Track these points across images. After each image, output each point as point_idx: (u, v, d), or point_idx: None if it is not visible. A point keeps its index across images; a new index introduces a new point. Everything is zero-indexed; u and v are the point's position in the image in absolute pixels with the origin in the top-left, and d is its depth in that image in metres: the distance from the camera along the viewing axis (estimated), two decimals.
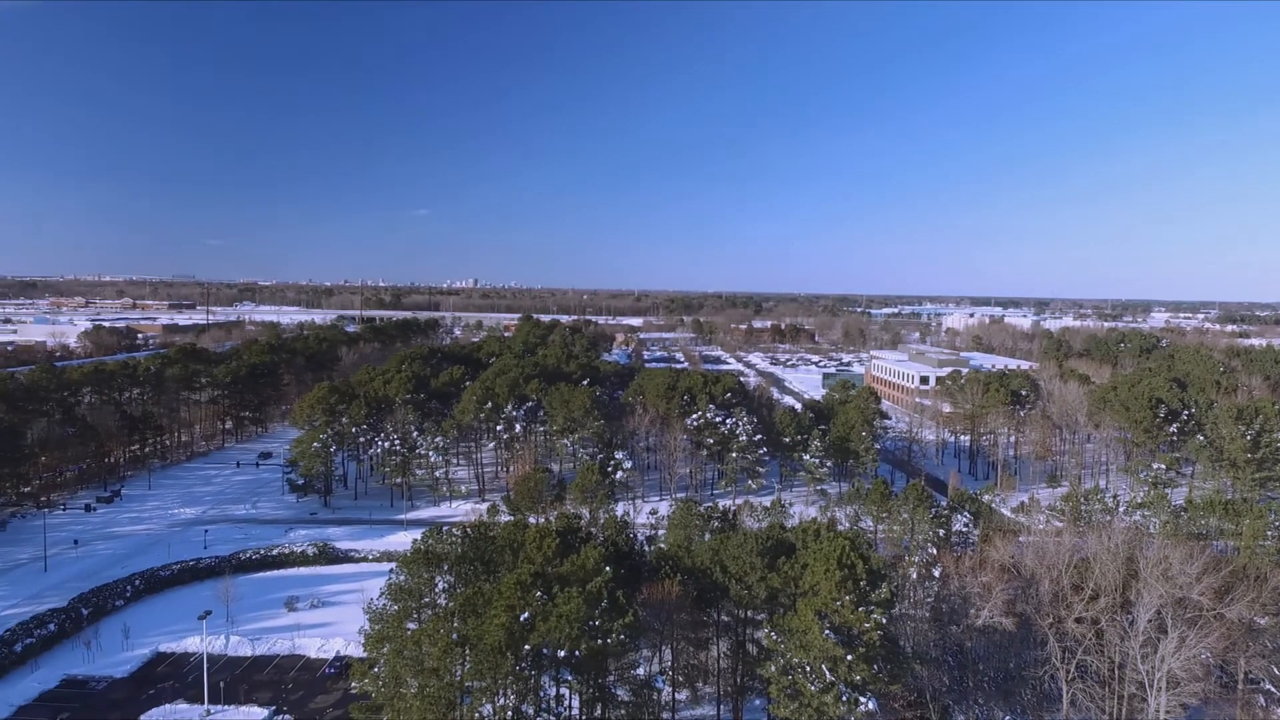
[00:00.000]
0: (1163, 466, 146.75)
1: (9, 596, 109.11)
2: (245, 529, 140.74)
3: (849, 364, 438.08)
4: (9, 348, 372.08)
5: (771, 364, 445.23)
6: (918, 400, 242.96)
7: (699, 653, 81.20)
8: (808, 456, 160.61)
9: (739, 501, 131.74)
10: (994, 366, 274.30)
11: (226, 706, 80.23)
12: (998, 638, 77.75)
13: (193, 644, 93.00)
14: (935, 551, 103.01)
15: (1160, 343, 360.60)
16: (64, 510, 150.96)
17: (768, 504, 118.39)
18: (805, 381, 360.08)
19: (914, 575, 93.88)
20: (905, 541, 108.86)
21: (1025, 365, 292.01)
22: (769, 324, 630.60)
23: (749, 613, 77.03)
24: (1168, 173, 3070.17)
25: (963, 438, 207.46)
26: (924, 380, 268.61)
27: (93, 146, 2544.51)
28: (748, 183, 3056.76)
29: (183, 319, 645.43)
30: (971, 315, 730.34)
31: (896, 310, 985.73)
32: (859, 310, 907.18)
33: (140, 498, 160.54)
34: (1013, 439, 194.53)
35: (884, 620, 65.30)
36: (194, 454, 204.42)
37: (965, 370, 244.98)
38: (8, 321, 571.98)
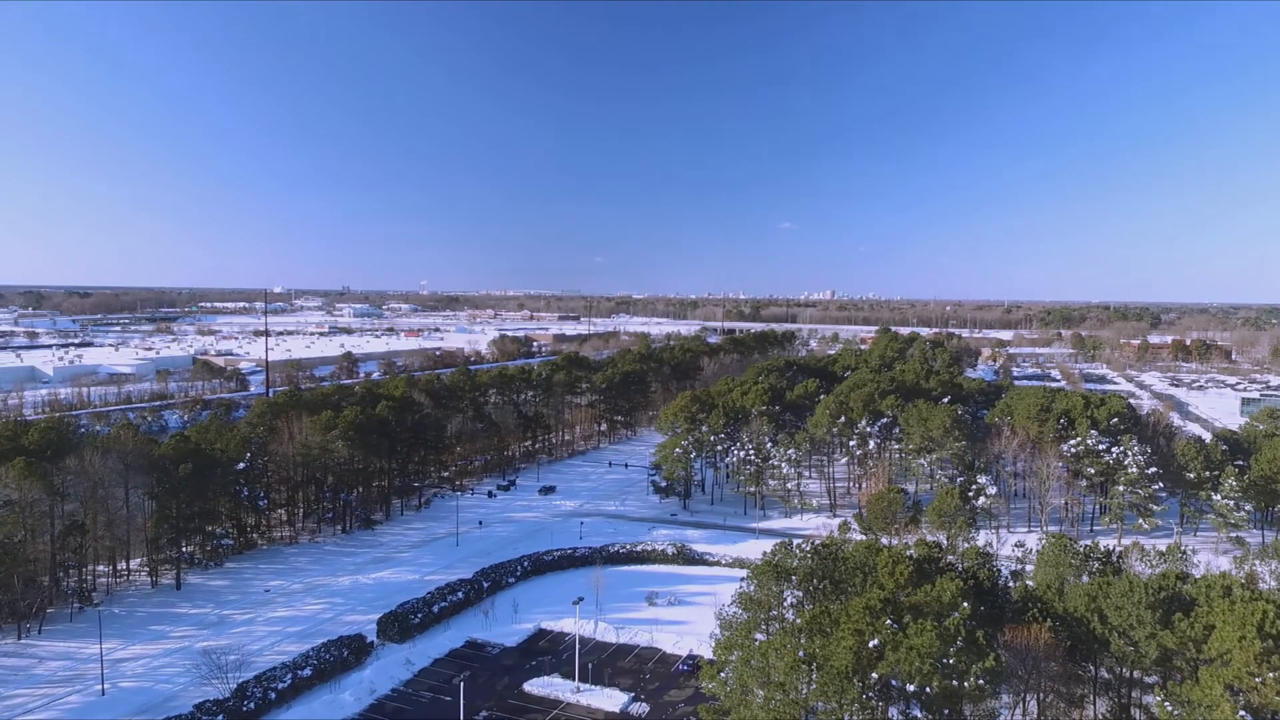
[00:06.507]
0: None
1: (431, 564, 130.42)
2: (614, 524, 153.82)
3: (1279, 388, 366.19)
4: (437, 352, 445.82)
5: (1171, 385, 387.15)
6: None
7: (1072, 710, 72.93)
8: (1219, 497, 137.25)
9: (1125, 543, 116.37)
10: None
11: (593, 686, 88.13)
12: None
13: (568, 625, 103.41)
14: None
15: None
16: (471, 495, 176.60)
17: (1163, 549, 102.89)
18: (1217, 407, 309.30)
19: None
20: None
21: None
22: (1168, 339, 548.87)
23: (1135, 673, 67.78)
24: None
25: None
26: None
27: (508, 178, 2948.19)
28: (1136, 173, 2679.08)
29: (569, 329, 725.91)
30: None
31: None
32: None
33: (530, 488, 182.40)
34: None
35: None
36: (574, 452, 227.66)
37: None
38: (437, 330, 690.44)
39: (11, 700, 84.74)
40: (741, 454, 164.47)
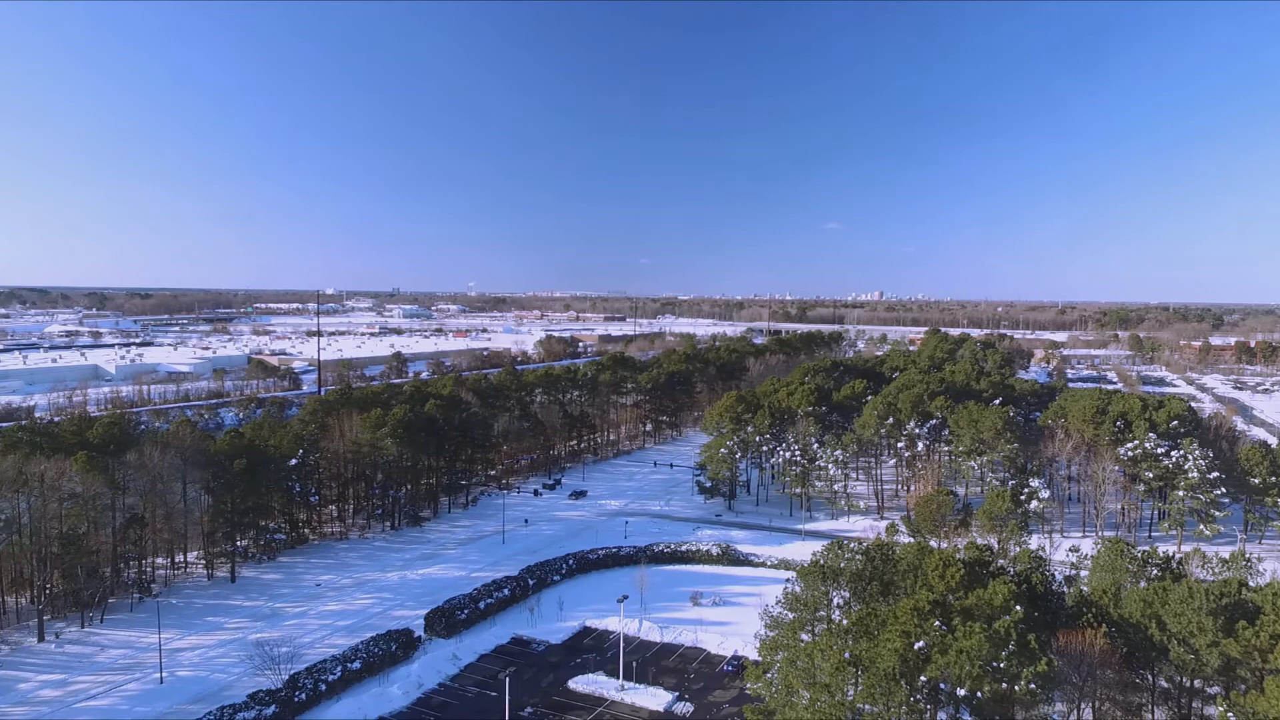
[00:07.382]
0: None
1: (478, 561, 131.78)
2: (659, 524, 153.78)
3: None
4: (484, 352, 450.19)
5: (1235, 389, 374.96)
6: None
7: (1129, 719, 71.02)
8: None
9: (1186, 549, 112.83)
10: None
11: (638, 685, 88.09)
12: None
13: (613, 623, 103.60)
14: None
15: None
16: (518, 493, 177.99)
17: (1226, 556, 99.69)
18: None
19: None
20: None
21: None
22: (1231, 340, 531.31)
23: (1195, 682, 65.70)
24: None
25: None
26: None
27: (554, 180, 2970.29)
28: (1195, 171, 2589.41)
29: (614, 329, 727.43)
30: None
31: None
32: None
33: (574, 488, 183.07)
34: None
35: None
36: (619, 452, 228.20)
37: None
38: (484, 330, 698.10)
39: (75, 686, 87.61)
40: (787, 455, 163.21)
